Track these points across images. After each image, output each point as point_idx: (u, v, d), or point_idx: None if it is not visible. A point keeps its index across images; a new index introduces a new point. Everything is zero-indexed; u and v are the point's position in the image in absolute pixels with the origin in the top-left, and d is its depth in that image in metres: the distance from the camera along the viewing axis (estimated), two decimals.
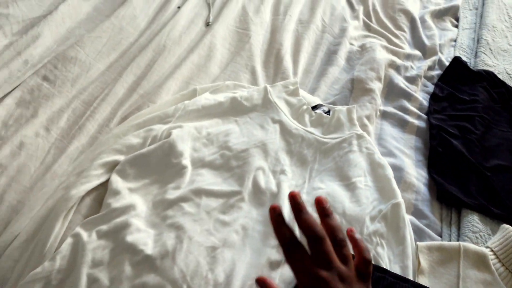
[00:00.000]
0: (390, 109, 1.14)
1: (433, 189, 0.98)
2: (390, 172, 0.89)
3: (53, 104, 0.90)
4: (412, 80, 1.23)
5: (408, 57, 1.30)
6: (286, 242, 0.46)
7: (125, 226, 0.73)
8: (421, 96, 1.21)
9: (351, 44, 1.28)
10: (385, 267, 0.76)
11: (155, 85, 1.00)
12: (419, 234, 0.88)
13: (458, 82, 1.24)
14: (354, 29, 1.32)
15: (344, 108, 0.98)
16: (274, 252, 0.74)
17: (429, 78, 1.27)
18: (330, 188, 0.85)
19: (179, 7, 1.18)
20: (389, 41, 1.32)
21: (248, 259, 0.74)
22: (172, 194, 0.79)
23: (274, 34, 1.22)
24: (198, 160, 0.85)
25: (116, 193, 0.77)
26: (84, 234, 0.72)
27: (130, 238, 0.71)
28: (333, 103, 1.10)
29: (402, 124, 1.12)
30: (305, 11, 1.33)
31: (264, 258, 0.74)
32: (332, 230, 0.48)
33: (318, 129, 0.94)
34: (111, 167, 0.82)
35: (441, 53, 1.35)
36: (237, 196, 0.81)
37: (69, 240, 0.72)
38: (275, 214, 0.47)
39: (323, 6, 1.35)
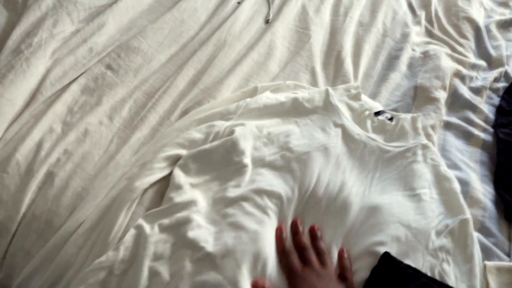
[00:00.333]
0: (454, 120, 1.09)
1: (500, 206, 0.93)
2: (457, 186, 0.84)
3: (116, 94, 0.89)
4: (477, 91, 1.18)
5: (473, 67, 1.24)
6: (284, 250, 0.71)
7: (187, 221, 0.72)
8: (486, 108, 1.15)
9: (413, 50, 1.23)
10: (451, 285, 0.72)
11: (215, 80, 0.98)
12: (486, 253, 0.83)
13: None
14: (416, 35, 1.27)
15: (408, 116, 0.94)
16: None
17: (494, 90, 1.21)
18: (393, 199, 0.81)
19: (239, 2, 1.16)
20: (453, 49, 1.26)
21: None
22: (232, 192, 0.77)
23: (334, 35, 1.18)
24: (259, 159, 0.83)
25: (179, 187, 0.76)
26: (147, 227, 0.71)
27: (191, 233, 0.70)
28: (395, 110, 1.06)
29: (466, 136, 1.06)
30: (365, 13, 1.28)
31: None
32: (316, 246, 0.73)
33: (380, 136, 0.90)
34: (174, 160, 0.81)
35: (508, 65, 1.29)
36: (297, 199, 0.78)
37: (132, 232, 0.71)
38: (280, 233, 0.73)
39: (384, 10, 1.30)
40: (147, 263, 0.67)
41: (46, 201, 0.75)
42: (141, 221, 0.72)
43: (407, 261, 0.73)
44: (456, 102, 1.14)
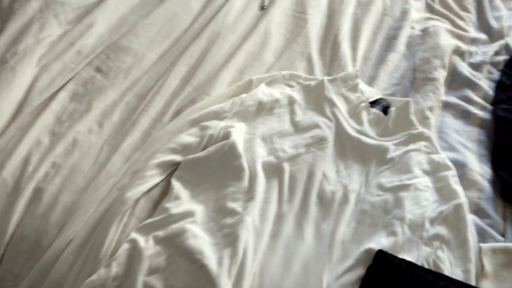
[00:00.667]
0: (453, 99, 1.08)
1: (498, 186, 0.93)
2: (451, 172, 0.85)
3: (106, 98, 0.87)
4: (477, 66, 1.16)
5: (473, 41, 1.21)
6: None
7: (182, 232, 0.71)
8: (486, 84, 1.13)
9: (412, 28, 1.20)
10: (446, 271, 0.74)
11: (209, 76, 0.97)
12: (482, 235, 0.84)
13: None
14: (416, 10, 1.24)
15: (401, 103, 0.93)
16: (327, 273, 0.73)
17: (495, 64, 1.18)
18: (388, 194, 0.82)
19: None
20: (453, 23, 1.23)
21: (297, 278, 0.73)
22: (231, 201, 0.77)
23: (332, 17, 1.15)
24: (252, 162, 0.82)
25: (177, 198, 0.76)
26: (141, 240, 0.70)
27: (187, 245, 0.70)
28: (393, 94, 1.05)
29: (465, 116, 1.05)
30: None
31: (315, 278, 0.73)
32: None
33: (375, 129, 0.91)
34: (167, 167, 0.80)
35: (508, 36, 1.25)
36: (290, 204, 0.79)
37: (125, 246, 0.70)
38: None
39: None
40: (141, 279, 0.67)
41: (35, 220, 0.73)
42: (134, 234, 0.71)
43: (403, 255, 0.74)
44: (455, 80, 1.12)
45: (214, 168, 0.81)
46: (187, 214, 0.74)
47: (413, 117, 0.92)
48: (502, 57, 1.20)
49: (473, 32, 1.24)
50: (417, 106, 1.00)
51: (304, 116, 0.91)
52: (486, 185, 0.92)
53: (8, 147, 0.79)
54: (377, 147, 0.88)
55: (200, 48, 1.00)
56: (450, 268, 0.75)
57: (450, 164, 0.87)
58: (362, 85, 0.99)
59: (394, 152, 0.87)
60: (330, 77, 0.97)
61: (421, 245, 0.75)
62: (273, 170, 0.83)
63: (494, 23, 1.26)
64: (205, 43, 1.01)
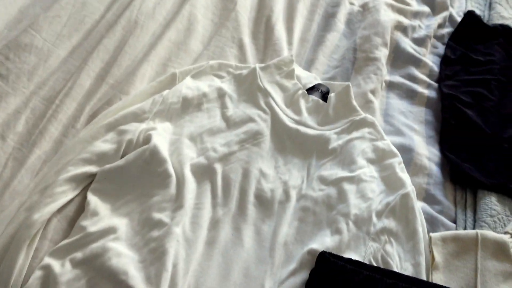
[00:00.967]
0: (397, 78, 1.04)
1: (446, 168, 0.91)
2: (397, 159, 0.81)
3: (8, 105, 0.78)
4: (420, 42, 1.12)
5: (416, 15, 1.18)
6: None
7: (103, 252, 0.65)
8: (431, 59, 1.10)
9: (351, 3, 1.15)
10: (395, 266, 0.71)
11: (127, 72, 0.88)
12: (432, 223, 0.81)
13: (472, 41, 1.14)
14: None
15: (341, 88, 0.88)
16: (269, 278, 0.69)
17: (439, 38, 1.16)
18: (331, 188, 0.77)
19: None
20: None
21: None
22: (158, 211, 0.71)
23: None
24: (179, 165, 0.76)
25: (94, 214, 0.69)
26: (56, 265, 0.64)
27: (109, 266, 0.64)
28: (333, 77, 1.00)
29: (410, 95, 1.02)
30: None
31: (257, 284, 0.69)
32: None
33: (314, 118, 0.85)
34: (81, 180, 0.73)
35: (452, 7, 1.22)
36: (225, 208, 0.74)
37: (37, 274, 0.64)
38: None
39: None
40: None
41: None
42: (47, 259, 0.65)
43: (349, 253, 0.71)
44: (398, 58, 1.08)
45: (135, 177, 0.74)
46: (108, 231, 0.68)
47: (354, 102, 0.87)
48: (446, 30, 1.18)
49: (415, 5, 1.20)
50: (359, 90, 0.95)
51: (236, 109, 0.85)
52: (435, 169, 0.90)
53: None
54: (318, 138, 0.83)
55: (115, 40, 0.91)
56: (399, 262, 0.72)
57: (395, 150, 0.82)
58: (299, 71, 0.93)
59: (336, 141, 0.82)
60: (263, 64, 0.90)
61: (368, 241, 0.72)
62: (204, 173, 0.76)
63: None
64: (121, 35, 0.92)
